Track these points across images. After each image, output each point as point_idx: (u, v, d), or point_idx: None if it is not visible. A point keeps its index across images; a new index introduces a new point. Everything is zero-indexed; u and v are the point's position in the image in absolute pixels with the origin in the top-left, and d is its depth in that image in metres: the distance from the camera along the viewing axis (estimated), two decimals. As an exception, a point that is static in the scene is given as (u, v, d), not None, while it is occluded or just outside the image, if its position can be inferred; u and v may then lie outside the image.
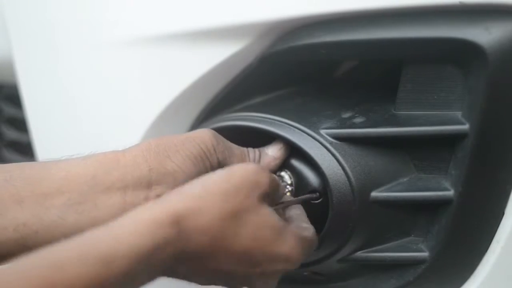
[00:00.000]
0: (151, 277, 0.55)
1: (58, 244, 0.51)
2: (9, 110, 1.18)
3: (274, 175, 0.66)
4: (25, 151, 1.12)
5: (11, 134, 1.18)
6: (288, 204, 0.70)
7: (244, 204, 0.60)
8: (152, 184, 0.66)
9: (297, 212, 0.69)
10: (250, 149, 0.74)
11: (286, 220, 0.68)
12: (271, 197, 0.64)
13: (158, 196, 0.66)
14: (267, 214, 0.61)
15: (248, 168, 0.62)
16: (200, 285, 0.63)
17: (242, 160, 0.72)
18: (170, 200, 0.58)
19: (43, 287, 0.47)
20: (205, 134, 0.69)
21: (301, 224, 0.67)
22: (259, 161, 0.74)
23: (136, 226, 0.53)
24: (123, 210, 0.65)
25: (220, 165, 0.69)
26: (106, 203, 0.64)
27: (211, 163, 0.68)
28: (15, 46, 0.95)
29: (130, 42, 0.82)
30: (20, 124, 1.11)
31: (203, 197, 0.58)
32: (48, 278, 0.48)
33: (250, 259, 0.60)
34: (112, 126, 0.87)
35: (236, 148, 0.72)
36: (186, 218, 0.56)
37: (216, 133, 0.70)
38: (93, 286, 0.49)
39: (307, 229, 0.67)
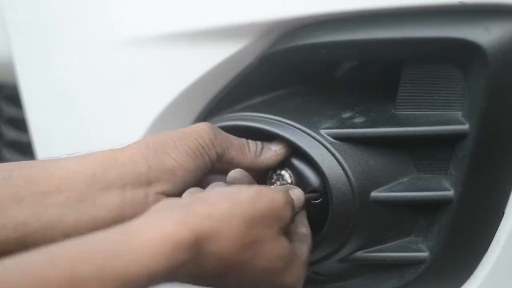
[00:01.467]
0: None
1: (73, 248, 0.50)
2: (9, 110, 1.18)
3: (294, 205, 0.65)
4: (25, 151, 1.12)
5: (11, 134, 1.18)
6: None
7: (264, 233, 0.59)
8: (151, 181, 0.66)
9: (303, 232, 0.69)
10: (251, 141, 0.73)
11: None
12: (289, 227, 0.64)
13: (158, 193, 0.66)
14: (283, 246, 0.61)
15: (276, 198, 0.61)
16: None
17: (241, 151, 0.72)
18: (193, 214, 0.55)
19: None
20: (202, 128, 0.69)
21: (301, 229, 0.67)
22: (260, 153, 0.73)
23: (155, 244, 0.52)
24: (122, 208, 0.65)
25: (219, 157, 0.69)
26: (105, 201, 0.65)
27: (210, 157, 0.68)
28: (15, 46, 0.95)
29: (130, 42, 0.82)
30: (20, 124, 1.11)
31: (227, 219, 0.57)
32: None
33: (257, 285, 0.61)
34: (112, 126, 0.87)
35: (234, 139, 0.72)
36: (206, 240, 0.55)
37: (213, 126, 0.70)
38: None
39: (306, 238, 0.66)
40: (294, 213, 0.65)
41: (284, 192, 0.63)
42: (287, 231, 0.64)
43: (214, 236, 0.56)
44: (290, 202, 0.63)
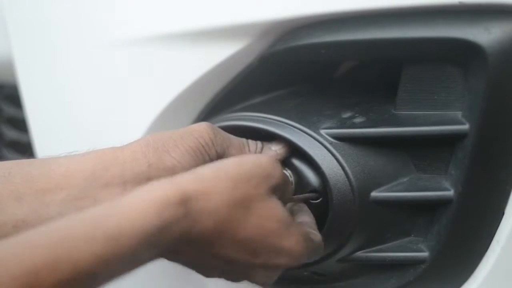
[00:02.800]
0: (152, 257, 0.55)
1: (66, 219, 0.51)
2: (9, 110, 1.18)
3: (285, 172, 0.65)
4: (25, 151, 1.12)
5: (11, 134, 1.18)
6: (293, 201, 0.70)
7: (253, 193, 0.59)
8: (151, 179, 0.66)
9: (306, 220, 0.69)
10: (250, 141, 0.74)
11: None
12: (281, 192, 0.64)
13: None
14: (276, 207, 0.61)
15: (261, 159, 0.62)
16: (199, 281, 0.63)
17: (241, 150, 0.72)
18: (181, 180, 0.57)
19: (48, 260, 0.47)
20: (202, 128, 0.69)
21: (310, 230, 0.67)
22: (260, 153, 0.73)
23: (144, 204, 0.53)
24: None
25: (219, 157, 0.69)
26: (106, 199, 0.64)
27: (210, 156, 0.68)
28: (15, 46, 0.95)
29: (130, 42, 0.82)
30: (20, 124, 1.11)
31: (213, 180, 0.58)
32: (53, 253, 0.47)
33: (254, 248, 0.60)
34: (112, 126, 0.87)
35: (234, 138, 0.72)
36: (194, 199, 0.56)
37: (213, 126, 0.70)
38: (98, 263, 0.49)
39: (315, 235, 0.67)
40: (285, 173, 0.65)
41: (269, 156, 0.64)
42: (280, 195, 0.63)
43: (202, 195, 0.57)
44: (277, 162, 0.63)
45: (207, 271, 0.62)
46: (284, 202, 0.65)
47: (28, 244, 0.48)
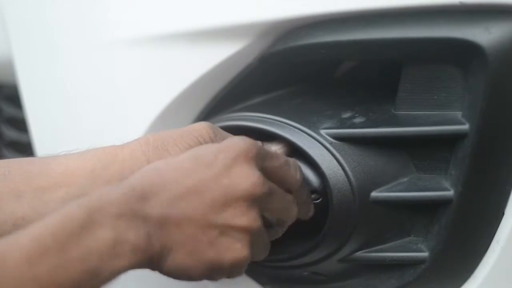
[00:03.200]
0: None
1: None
2: (9, 110, 1.18)
3: (260, 144, 0.64)
4: (25, 151, 1.12)
5: (11, 134, 1.18)
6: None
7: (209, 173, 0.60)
8: None
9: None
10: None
11: None
12: (260, 158, 0.63)
13: None
14: (247, 173, 0.60)
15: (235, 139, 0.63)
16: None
17: None
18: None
19: None
20: (202, 127, 0.69)
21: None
22: None
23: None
24: None
25: None
26: None
27: None
28: (15, 46, 0.95)
29: (130, 42, 0.82)
30: (20, 124, 1.11)
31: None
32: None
33: (208, 197, 0.59)
34: (112, 127, 0.87)
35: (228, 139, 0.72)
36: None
37: (213, 125, 0.70)
38: None
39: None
40: (256, 143, 0.64)
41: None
42: (263, 164, 0.63)
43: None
44: (240, 138, 0.63)
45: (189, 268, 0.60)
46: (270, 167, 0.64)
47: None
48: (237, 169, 0.60)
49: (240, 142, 0.62)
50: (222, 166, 0.60)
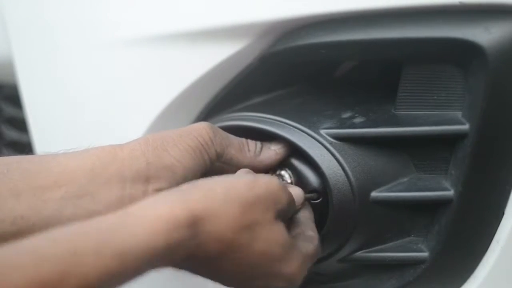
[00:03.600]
0: (155, 270, 0.55)
1: (73, 230, 0.51)
2: (9, 110, 1.18)
3: (292, 194, 0.66)
4: (25, 151, 1.12)
5: (11, 134, 1.18)
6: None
7: (260, 218, 0.60)
8: (150, 178, 0.66)
9: (305, 216, 0.69)
10: (250, 141, 0.74)
11: (293, 222, 0.68)
12: (287, 214, 0.65)
13: (157, 190, 0.66)
14: (280, 231, 0.61)
15: (272, 182, 0.62)
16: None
17: (241, 150, 0.72)
18: (190, 198, 0.56)
19: (54, 273, 0.47)
20: (201, 127, 0.69)
21: (307, 232, 0.67)
22: (260, 153, 0.73)
23: (152, 222, 0.52)
24: (121, 203, 0.64)
25: (219, 156, 0.69)
26: (104, 196, 0.64)
27: (210, 156, 0.68)
28: (15, 46, 0.95)
29: (130, 42, 0.82)
30: (20, 124, 1.11)
31: (224, 202, 0.58)
32: (61, 265, 0.47)
33: (255, 272, 0.61)
34: (112, 127, 0.87)
35: (234, 138, 0.72)
36: (203, 220, 0.56)
37: (213, 125, 0.70)
38: (104, 278, 0.49)
39: (312, 240, 0.67)
40: (291, 195, 0.65)
41: (279, 181, 0.64)
42: (285, 219, 0.64)
43: (211, 216, 0.56)
44: (285, 186, 0.64)
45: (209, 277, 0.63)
46: (287, 218, 0.66)
47: (35, 254, 0.47)
48: (274, 236, 0.61)
49: (282, 199, 0.63)
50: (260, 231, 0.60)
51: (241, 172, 0.69)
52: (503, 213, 0.72)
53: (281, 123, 0.75)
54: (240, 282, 0.62)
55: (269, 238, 0.60)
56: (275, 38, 0.78)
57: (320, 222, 0.73)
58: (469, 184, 0.70)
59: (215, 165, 0.70)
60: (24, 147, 1.12)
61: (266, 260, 0.60)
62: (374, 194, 0.72)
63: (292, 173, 0.75)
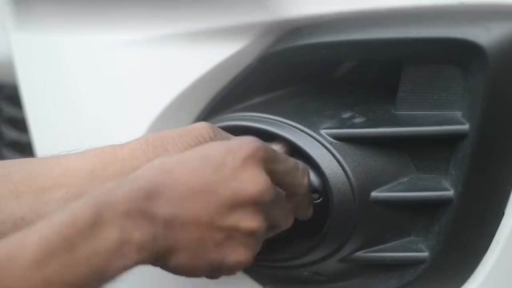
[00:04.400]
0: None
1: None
2: (9, 110, 1.18)
3: (269, 146, 0.64)
4: (25, 151, 1.12)
5: (11, 134, 1.18)
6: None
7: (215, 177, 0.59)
8: None
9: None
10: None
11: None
12: (269, 162, 0.62)
13: None
14: (260, 175, 0.60)
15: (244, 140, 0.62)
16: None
17: None
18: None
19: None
20: (201, 127, 0.69)
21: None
22: None
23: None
24: None
25: None
26: None
27: None
28: (15, 46, 0.95)
29: (130, 42, 0.82)
30: (20, 124, 1.11)
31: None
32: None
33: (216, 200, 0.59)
34: (112, 127, 0.87)
35: (234, 139, 0.72)
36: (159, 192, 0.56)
37: (213, 125, 0.70)
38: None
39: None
40: (266, 146, 0.63)
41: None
42: (270, 167, 0.62)
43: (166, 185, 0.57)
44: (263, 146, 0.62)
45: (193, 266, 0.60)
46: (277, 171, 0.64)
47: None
48: (245, 173, 0.59)
49: (249, 144, 0.61)
50: (230, 168, 0.59)
51: None
52: (503, 213, 0.72)
53: (281, 123, 0.75)
54: (210, 246, 0.59)
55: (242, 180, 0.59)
56: (275, 38, 0.78)
57: (320, 222, 0.73)
58: (469, 184, 0.70)
59: None
60: (24, 147, 1.12)
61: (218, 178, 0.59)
62: (374, 194, 0.72)
63: (292, 173, 0.75)
